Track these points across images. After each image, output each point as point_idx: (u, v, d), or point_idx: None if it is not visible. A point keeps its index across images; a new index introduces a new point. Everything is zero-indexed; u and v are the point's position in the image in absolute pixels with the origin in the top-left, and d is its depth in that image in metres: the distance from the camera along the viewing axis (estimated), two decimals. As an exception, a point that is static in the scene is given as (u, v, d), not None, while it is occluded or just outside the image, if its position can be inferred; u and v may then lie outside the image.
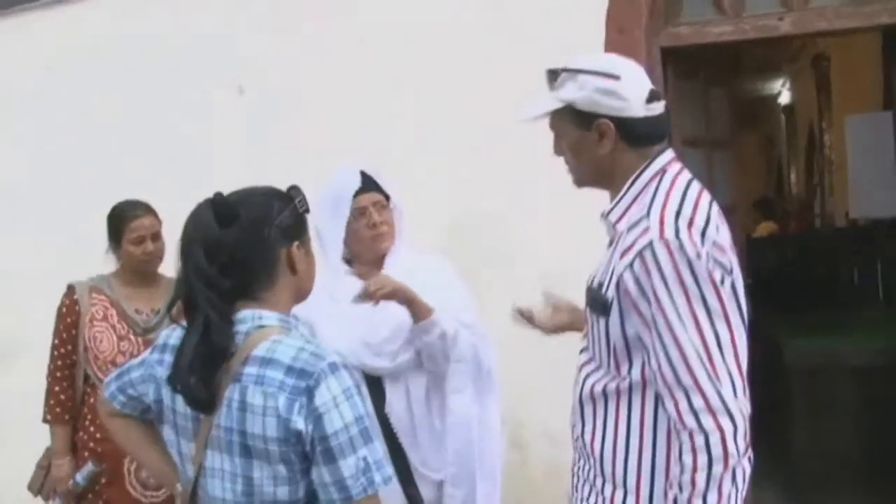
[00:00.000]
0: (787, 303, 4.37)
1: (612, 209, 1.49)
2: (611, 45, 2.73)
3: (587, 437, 1.51)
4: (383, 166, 2.23)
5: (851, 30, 2.76)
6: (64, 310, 2.55)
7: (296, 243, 1.39)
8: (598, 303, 1.45)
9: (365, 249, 2.14)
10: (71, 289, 2.57)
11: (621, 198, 1.48)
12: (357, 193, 2.10)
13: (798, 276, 4.78)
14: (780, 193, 9.64)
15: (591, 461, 1.50)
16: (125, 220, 2.50)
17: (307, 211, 1.43)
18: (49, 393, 2.56)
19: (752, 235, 6.45)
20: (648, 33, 2.78)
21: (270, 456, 1.29)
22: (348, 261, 2.18)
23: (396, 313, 2.03)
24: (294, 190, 1.43)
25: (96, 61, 3.39)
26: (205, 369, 1.29)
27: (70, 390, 2.55)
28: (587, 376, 1.51)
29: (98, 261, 2.58)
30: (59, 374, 2.55)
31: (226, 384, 1.31)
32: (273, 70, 3.13)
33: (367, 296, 1.96)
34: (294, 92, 3.09)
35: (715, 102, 3.47)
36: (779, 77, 8.69)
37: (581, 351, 1.56)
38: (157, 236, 2.50)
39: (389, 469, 1.32)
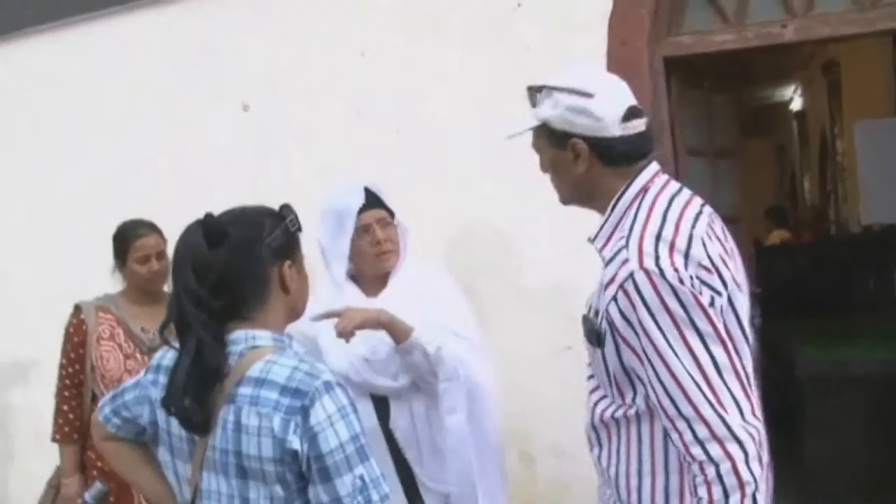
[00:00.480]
0: (799, 312, 4.32)
1: (596, 235, 1.46)
2: (613, 57, 2.72)
3: (603, 461, 1.49)
4: (385, 180, 2.23)
5: (855, 36, 2.73)
6: (71, 329, 2.57)
7: (287, 262, 1.39)
8: (592, 333, 1.43)
9: (369, 267, 2.14)
10: (78, 309, 2.59)
11: (604, 223, 1.45)
12: (361, 210, 2.10)
13: (811, 285, 4.72)
14: (794, 201, 9.57)
15: (609, 483, 1.48)
16: (130, 240, 2.52)
17: (299, 230, 1.43)
18: (57, 412, 2.58)
19: (765, 244, 6.40)
20: (651, 43, 2.77)
21: (266, 476, 1.28)
22: (353, 277, 2.19)
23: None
24: (285, 209, 1.43)
25: (101, 81, 3.43)
26: (198, 391, 1.29)
27: (78, 409, 2.56)
28: (596, 403, 1.49)
29: (107, 280, 2.61)
30: (66, 394, 2.57)
31: (220, 405, 1.31)
32: (275, 86, 3.14)
33: (338, 335, 1.95)
34: (295, 107, 3.10)
35: (720, 111, 3.45)
36: (790, 84, 8.64)
37: (588, 378, 1.54)
38: (161, 255, 2.51)
39: (386, 487, 1.31)
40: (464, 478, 2.05)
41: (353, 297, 2.12)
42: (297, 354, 1.37)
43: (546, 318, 2.76)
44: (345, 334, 1.95)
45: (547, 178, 1.59)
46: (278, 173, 3.08)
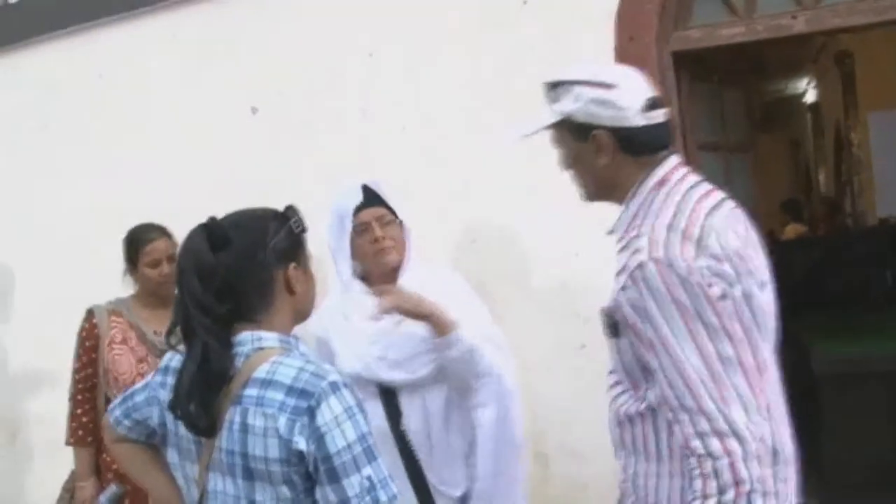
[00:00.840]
0: (815, 307, 4.28)
1: (615, 226, 1.46)
2: (621, 53, 2.70)
3: (622, 460, 1.49)
4: (395, 181, 2.23)
5: (865, 26, 2.70)
6: (84, 333, 2.59)
7: (292, 264, 1.39)
8: (608, 324, 1.42)
9: (371, 264, 2.14)
10: (90, 312, 2.60)
11: (623, 213, 1.45)
12: (360, 209, 2.10)
13: (827, 279, 4.68)
14: (809, 194, 9.49)
15: (629, 482, 1.47)
16: (141, 244, 2.53)
17: (304, 231, 1.42)
18: (71, 416, 2.60)
19: (780, 238, 6.35)
20: (659, 39, 2.75)
21: (273, 478, 1.28)
22: (364, 277, 2.18)
23: (414, 329, 2.01)
24: (290, 210, 1.43)
25: (107, 87, 3.44)
26: (203, 395, 1.29)
27: (92, 413, 2.58)
28: (615, 399, 1.49)
29: (119, 285, 2.62)
30: (80, 398, 2.58)
31: (226, 407, 1.31)
32: (283, 88, 3.14)
33: (384, 310, 1.95)
34: (301, 108, 3.10)
35: (731, 105, 3.42)
36: (803, 76, 8.57)
37: (609, 373, 1.53)
38: (172, 259, 2.52)
39: (394, 488, 1.31)
40: (490, 475, 2.03)
41: (361, 298, 2.11)
42: (304, 355, 1.37)
43: (557, 317, 2.74)
44: (387, 311, 1.94)
45: (559, 177, 1.59)
46: (285, 174, 3.07)
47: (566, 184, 1.60)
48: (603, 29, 2.72)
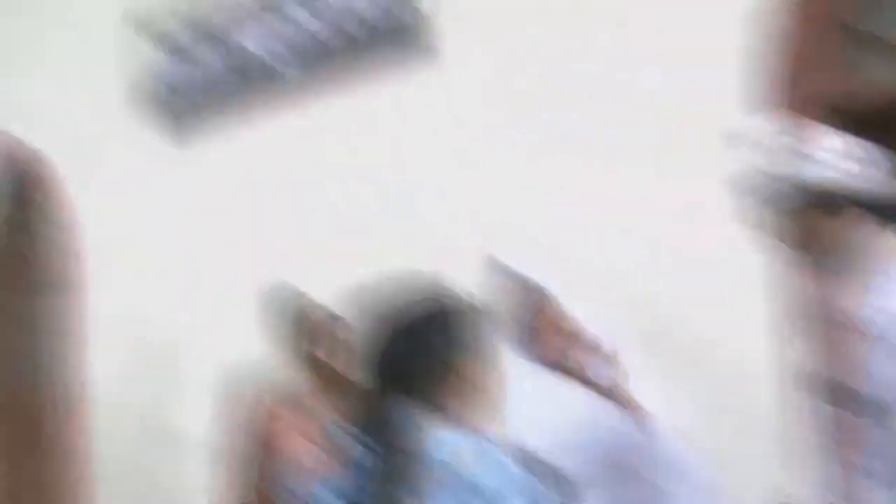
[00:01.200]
0: None
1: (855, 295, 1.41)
2: (764, 101, 2.62)
3: None
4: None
5: None
6: (251, 411, 2.63)
7: (472, 357, 1.39)
8: (868, 406, 1.28)
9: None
10: (258, 390, 2.64)
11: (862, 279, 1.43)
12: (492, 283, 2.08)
13: None
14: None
15: None
16: (305, 323, 2.56)
17: (488, 323, 1.43)
18: (234, 490, 2.66)
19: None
20: (802, 87, 2.66)
21: None
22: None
23: (582, 407, 1.90)
24: (471, 298, 1.44)
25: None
26: (383, 486, 1.31)
27: (257, 491, 2.59)
28: (867, 498, 1.32)
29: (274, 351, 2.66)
30: (248, 474, 2.61)
31: (406, 500, 1.31)
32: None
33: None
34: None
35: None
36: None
37: (851, 462, 1.36)
38: (339, 339, 2.48)
39: None
40: None
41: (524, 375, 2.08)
42: (485, 450, 1.35)
43: (699, 381, 2.59)
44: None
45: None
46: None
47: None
48: (735, 74, 2.63)
